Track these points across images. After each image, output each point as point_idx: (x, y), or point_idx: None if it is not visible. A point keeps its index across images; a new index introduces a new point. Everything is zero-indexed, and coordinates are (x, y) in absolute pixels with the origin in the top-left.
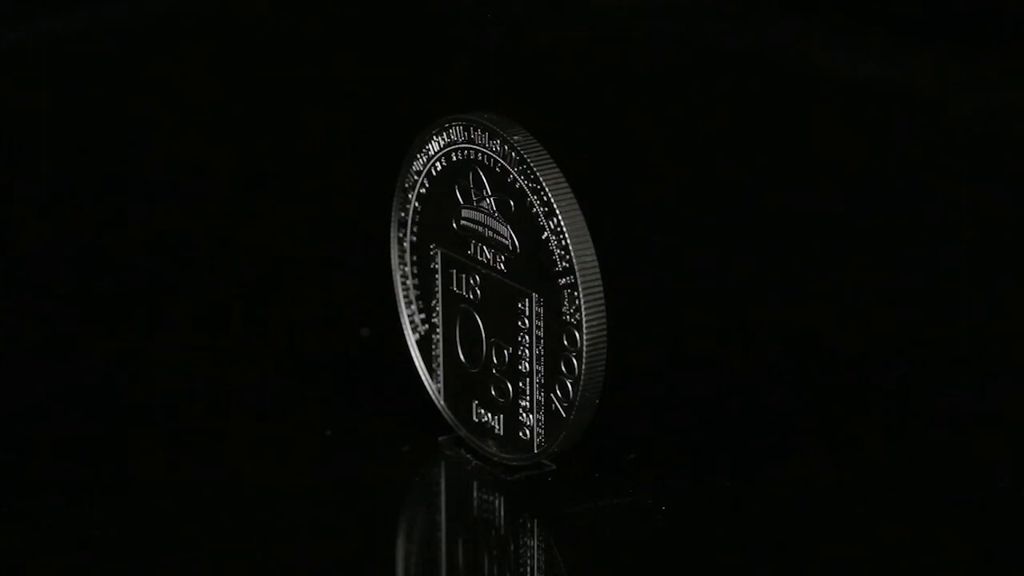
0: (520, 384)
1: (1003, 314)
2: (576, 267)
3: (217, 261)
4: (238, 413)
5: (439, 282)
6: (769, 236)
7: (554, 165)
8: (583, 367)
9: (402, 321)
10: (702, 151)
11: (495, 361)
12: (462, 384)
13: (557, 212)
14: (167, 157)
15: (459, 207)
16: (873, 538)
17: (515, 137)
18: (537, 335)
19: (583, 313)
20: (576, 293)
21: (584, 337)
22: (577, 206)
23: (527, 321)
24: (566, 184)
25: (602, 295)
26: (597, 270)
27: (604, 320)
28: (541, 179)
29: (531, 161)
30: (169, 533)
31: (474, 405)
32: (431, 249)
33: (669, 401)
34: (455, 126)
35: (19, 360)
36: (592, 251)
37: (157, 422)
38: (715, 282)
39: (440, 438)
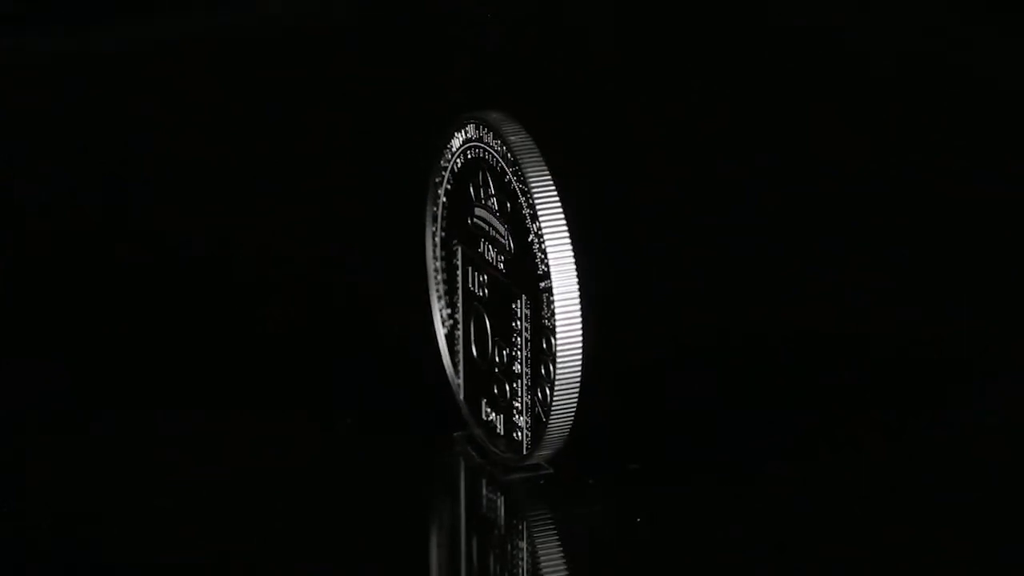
0: (513, 385)
1: (1003, 314)
2: (552, 272)
3: (227, 260)
4: (248, 410)
5: (459, 278)
6: (769, 236)
7: (544, 168)
8: (555, 372)
9: (434, 315)
10: (702, 151)
11: (497, 360)
12: (476, 381)
13: (539, 216)
14: (167, 157)
15: (472, 205)
16: (873, 538)
17: (511, 137)
18: (525, 337)
19: (555, 319)
20: (551, 297)
21: (556, 342)
22: (560, 210)
23: (518, 323)
24: (553, 188)
25: (577, 301)
26: (574, 276)
27: (579, 326)
28: (528, 181)
29: (522, 163)
30: (171, 532)
31: (483, 403)
32: (454, 245)
33: (669, 401)
34: (470, 124)
35: (19, 358)
36: (570, 257)
37: (157, 419)
38: (715, 282)
39: (455, 434)
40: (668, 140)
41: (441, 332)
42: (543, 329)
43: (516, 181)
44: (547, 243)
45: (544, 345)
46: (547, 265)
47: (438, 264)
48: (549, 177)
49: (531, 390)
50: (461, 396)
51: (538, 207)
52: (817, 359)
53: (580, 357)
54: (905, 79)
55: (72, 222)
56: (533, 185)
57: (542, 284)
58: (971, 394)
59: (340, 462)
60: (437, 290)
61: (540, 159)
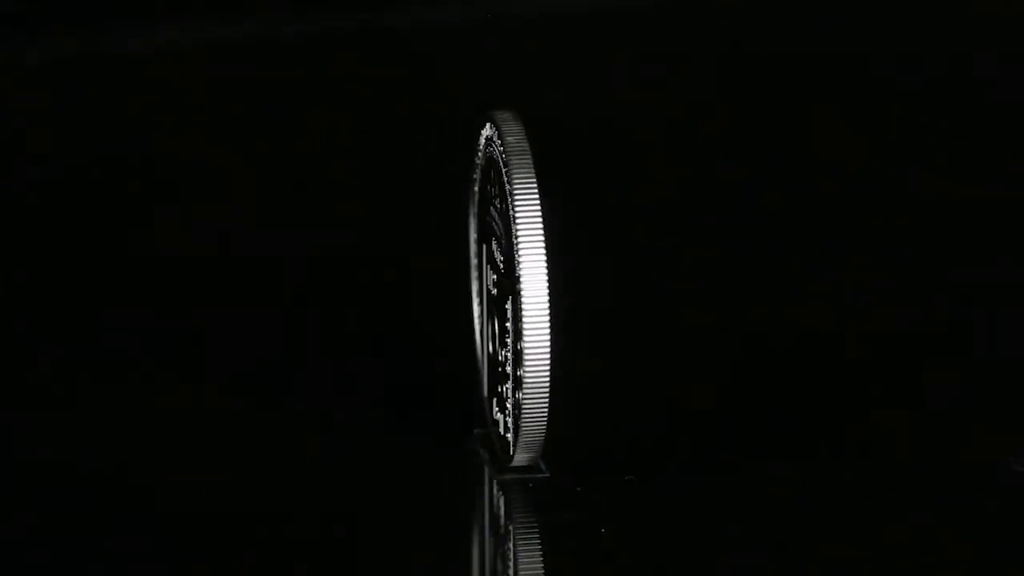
0: (506, 386)
1: (1003, 314)
2: (522, 275)
3: (227, 260)
4: (252, 410)
5: (484, 276)
6: (769, 236)
7: (530, 171)
8: (523, 374)
9: (473, 311)
10: (702, 151)
11: (499, 360)
12: (492, 380)
13: (516, 218)
14: (167, 157)
15: (488, 203)
16: (873, 538)
17: (508, 138)
18: (512, 339)
19: (523, 323)
20: (521, 301)
21: (524, 346)
22: (539, 214)
23: (509, 324)
24: (535, 191)
25: (546, 306)
26: (545, 281)
27: (547, 332)
28: (513, 182)
29: (512, 163)
30: (175, 532)
31: (493, 401)
32: (479, 243)
33: (669, 401)
34: (488, 123)
35: (20, 359)
36: (543, 261)
37: (161, 418)
38: (715, 282)
39: (475, 430)
40: (668, 140)
41: (477, 328)
42: (519, 332)
43: (508, 182)
44: (521, 245)
45: (519, 347)
46: (520, 268)
47: (474, 262)
48: (534, 180)
49: (513, 391)
50: (484, 393)
51: (517, 209)
52: (817, 359)
53: (548, 363)
54: (905, 79)
55: (72, 222)
56: (516, 186)
57: (518, 287)
58: (972, 394)
59: (346, 460)
60: (475, 285)
61: (529, 161)
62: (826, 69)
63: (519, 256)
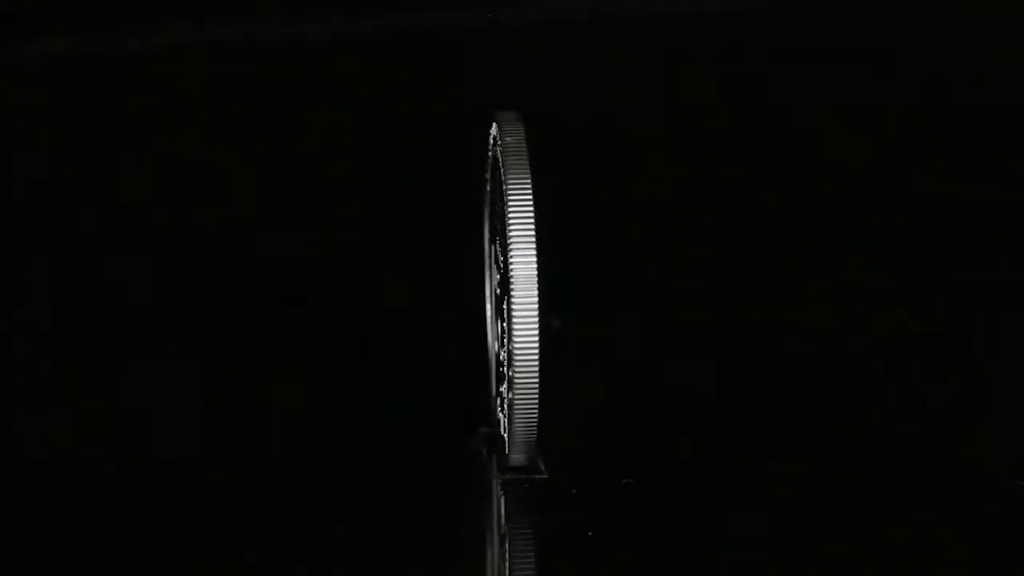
0: (502, 386)
1: (1003, 314)
2: (513, 275)
3: (226, 260)
4: (258, 410)
5: (491, 275)
6: (769, 236)
7: (526, 170)
8: (513, 374)
9: (485, 310)
10: (702, 151)
11: (501, 359)
12: (498, 379)
13: (509, 218)
14: (167, 157)
15: (495, 202)
16: (873, 538)
17: (506, 138)
18: (507, 339)
19: (513, 323)
20: (511, 300)
21: (514, 347)
22: (531, 214)
23: (506, 324)
24: (529, 191)
25: (535, 306)
26: (535, 280)
27: (536, 331)
28: (509, 182)
29: (509, 163)
30: (185, 532)
31: (497, 401)
32: (491, 241)
33: (669, 401)
34: (494, 122)
35: (24, 354)
36: (534, 261)
37: (167, 418)
38: (715, 282)
39: (481, 429)
40: (668, 140)
41: (490, 327)
42: (510, 333)
43: (504, 181)
44: (513, 245)
45: (510, 348)
46: (512, 268)
47: (487, 260)
48: (528, 180)
49: (508, 390)
50: (494, 392)
51: (510, 208)
52: (817, 359)
53: (537, 364)
54: (905, 79)
55: (72, 222)
56: (511, 186)
57: (509, 287)
58: (971, 394)
59: (346, 460)
60: (487, 284)
61: (525, 161)
62: (827, 69)
63: (510, 256)
